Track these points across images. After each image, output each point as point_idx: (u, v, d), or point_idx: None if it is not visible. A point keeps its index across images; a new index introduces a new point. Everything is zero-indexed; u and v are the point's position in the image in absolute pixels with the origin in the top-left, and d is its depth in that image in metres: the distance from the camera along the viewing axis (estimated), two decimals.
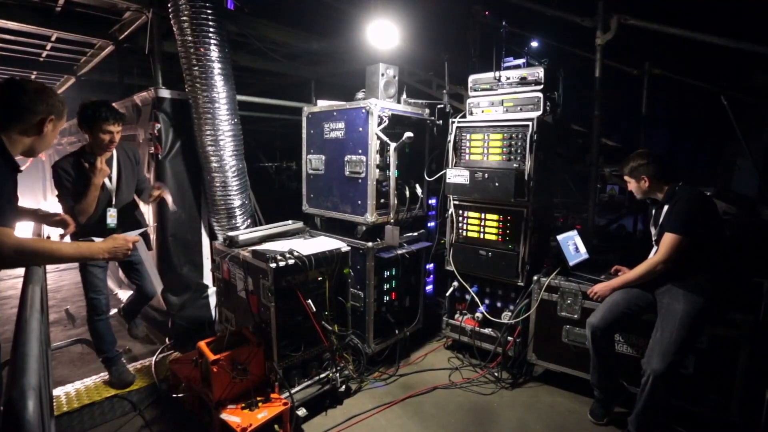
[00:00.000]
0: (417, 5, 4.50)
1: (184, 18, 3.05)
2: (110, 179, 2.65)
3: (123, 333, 3.84)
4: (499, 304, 3.22)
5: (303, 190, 3.55)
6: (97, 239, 1.90)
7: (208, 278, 3.67)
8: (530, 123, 2.89)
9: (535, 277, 2.96)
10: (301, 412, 2.51)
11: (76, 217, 2.38)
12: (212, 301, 3.60)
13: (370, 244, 3.01)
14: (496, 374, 3.12)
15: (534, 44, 5.82)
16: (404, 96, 3.32)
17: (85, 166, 2.49)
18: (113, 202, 2.67)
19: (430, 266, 3.63)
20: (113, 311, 3.06)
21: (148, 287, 2.94)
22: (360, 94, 3.23)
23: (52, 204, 7.60)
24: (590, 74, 3.70)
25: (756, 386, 2.34)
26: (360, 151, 3.02)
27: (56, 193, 2.55)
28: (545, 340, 2.96)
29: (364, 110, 2.95)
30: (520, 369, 3.12)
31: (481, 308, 3.24)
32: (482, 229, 3.21)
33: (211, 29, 3.10)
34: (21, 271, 1.66)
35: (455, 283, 3.36)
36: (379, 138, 2.95)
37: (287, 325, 2.53)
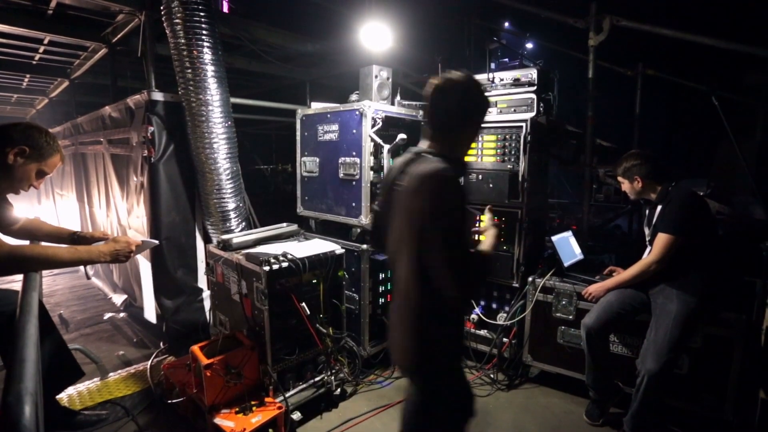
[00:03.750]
0: (411, 7, 4.50)
1: (177, 20, 3.03)
2: None
3: (118, 337, 3.83)
4: (494, 306, 3.22)
5: (297, 192, 3.54)
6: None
7: (202, 282, 3.64)
8: (524, 124, 2.90)
9: (530, 278, 2.96)
10: (296, 415, 2.50)
11: None
12: (207, 304, 3.58)
13: (364, 246, 3.00)
14: (491, 376, 3.11)
15: (529, 46, 5.85)
16: (398, 98, 3.32)
17: None
18: None
19: None
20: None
21: None
22: (353, 96, 3.23)
23: (46, 208, 7.54)
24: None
25: (750, 385, 2.35)
26: (354, 153, 3.01)
27: None
28: (540, 342, 2.96)
29: (357, 112, 2.95)
30: (516, 370, 3.12)
31: (477, 310, 3.23)
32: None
33: (204, 32, 3.09)
34: (11, 276, 1.63)
35: None
36: (372, 140, 2.94)
37: (281, 329, 2.51)
